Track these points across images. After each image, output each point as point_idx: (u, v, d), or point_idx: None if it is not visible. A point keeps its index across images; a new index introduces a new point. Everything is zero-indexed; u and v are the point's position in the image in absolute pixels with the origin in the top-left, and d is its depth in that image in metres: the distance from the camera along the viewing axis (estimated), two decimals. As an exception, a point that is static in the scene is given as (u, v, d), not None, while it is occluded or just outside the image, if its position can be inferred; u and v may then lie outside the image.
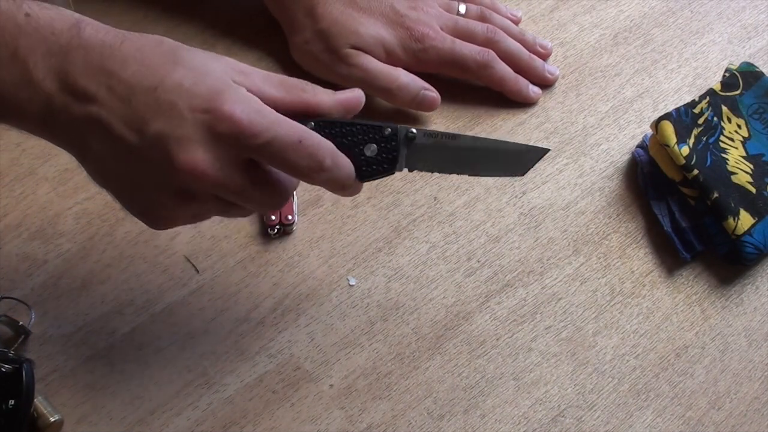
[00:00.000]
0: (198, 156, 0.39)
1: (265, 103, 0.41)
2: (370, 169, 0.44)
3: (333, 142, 0.42)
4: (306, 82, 0.43)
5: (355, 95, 0.44)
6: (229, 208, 0.43)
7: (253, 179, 0.41)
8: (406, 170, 0.46)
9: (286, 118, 0.40)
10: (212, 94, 0.39)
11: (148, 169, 0.40)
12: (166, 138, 0.38)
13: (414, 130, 0.44)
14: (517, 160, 0.47)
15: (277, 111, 0.41)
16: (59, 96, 0.39)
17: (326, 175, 0.42)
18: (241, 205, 0.43)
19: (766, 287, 0.61)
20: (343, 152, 0.43)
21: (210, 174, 0.39)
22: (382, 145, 0.44)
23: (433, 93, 0.61)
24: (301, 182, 0.44)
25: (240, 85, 0.40)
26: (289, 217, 0.56)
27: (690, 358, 0.57)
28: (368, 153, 0.44)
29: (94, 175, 0.42)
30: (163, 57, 0.39)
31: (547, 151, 0.47)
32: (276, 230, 0.56)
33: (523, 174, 0.48)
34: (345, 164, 0.43)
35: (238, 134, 0.39)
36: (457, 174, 0.47)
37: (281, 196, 0.44)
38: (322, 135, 0.42)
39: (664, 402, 0.55)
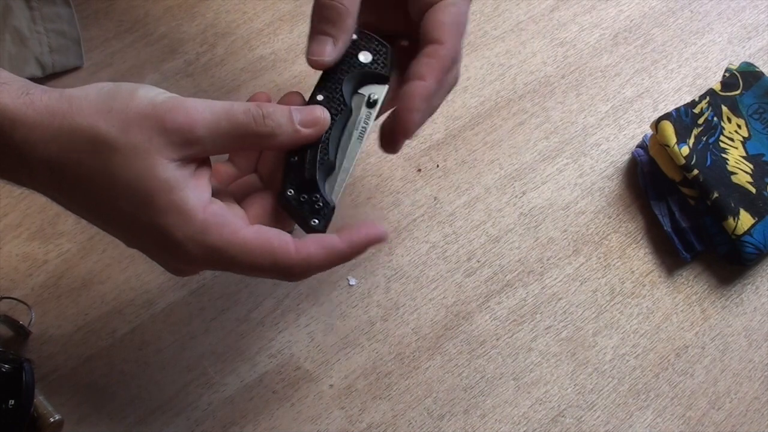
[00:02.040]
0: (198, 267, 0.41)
1: (220, 176, 0.41)
2: (372, 71, 0.44)
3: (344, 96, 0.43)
4: (259, 107, 0.39)
5: (318, 125, 0.41)
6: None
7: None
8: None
9: (246, 245, 0.38)
10: (161, 238, 0.38)
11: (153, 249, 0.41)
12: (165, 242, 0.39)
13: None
14: None
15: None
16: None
17: (307, 274, 0.41)
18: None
19: (766, 287, 0.61)
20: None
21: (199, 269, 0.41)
22: (373, 49, 0.44)
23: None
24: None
25: (192, 160, 0.38)
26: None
27: (690, 358, 0.57)
28: (364, 60, 0.44)
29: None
30: (105, 177, 0.37)
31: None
32: None
33: None
34: (319, 261, 0.40)
35: (201, 267, 0.40)
36: None
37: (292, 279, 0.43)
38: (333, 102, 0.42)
39: (664, 402, 0.55)
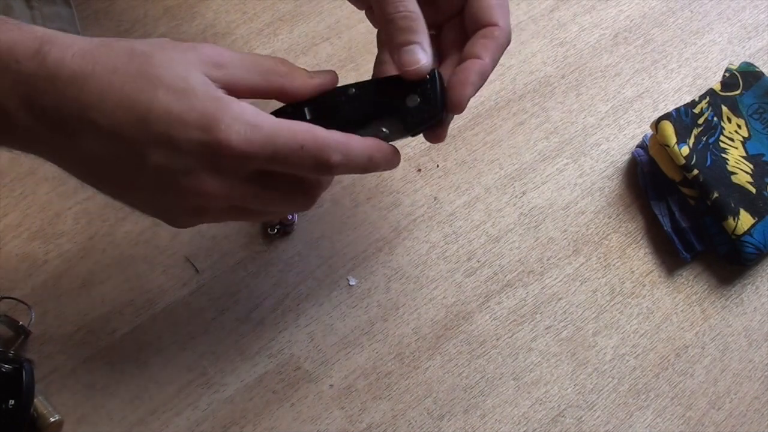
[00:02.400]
0: (204, 182, 0.38)
1: (245, 93, 0.40)
2: (417, 120, 0.42)
3: (358, 114, 0.42)
4: (282, 61, 0.42)
5: (331, 77, 0.43)
6: (248, 214, 0.43)
7: (265, 185, 0.41)
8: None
9: (286, 124, 0.39)
10: (204, 121, 0.37)
11: (155, 192, 0.40)
12: (167, 169, 0.38)
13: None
14: None
15: (258, 98, 0.41)
16: (39, 128, 0.38)
17: (341, 169, 0.41)
18: (262, 210, 0.43)
19: (766, 287, 0.61)
20: (375, 119, 0.42)
21: (219, 194, 0.39)
22: (423, 91, 0.42)
23: None
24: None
25: (220, 82, 0.39)
26: (289, 217, 0.56)
27: (690, 358, 0.57)
28: (411, 104, 0.42)
29: (99, 187, 0.41)
30: (141, 77, 0.37)
31: None
32: (276, 230, 0.56)
33: None
34: (359, 151, 0.41)
35: (239, 159, 0.38)
36: None
37: (306, 196, 0.43)
38: (348, 107, 0.42)
39: (664, 402, 0.55)
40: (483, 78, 0.44)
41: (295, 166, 0.40)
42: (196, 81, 0.38)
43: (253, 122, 0.38)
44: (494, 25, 0.44)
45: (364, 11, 0.49)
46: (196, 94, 0.37)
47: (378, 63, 0.47)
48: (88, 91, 0.37)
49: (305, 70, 0.43)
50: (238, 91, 0.40)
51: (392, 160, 0.43)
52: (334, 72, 0.44)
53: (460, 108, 0.43)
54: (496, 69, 0.65)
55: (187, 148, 0.37)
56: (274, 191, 0.41)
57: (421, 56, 0.42)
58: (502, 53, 0.45)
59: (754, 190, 0.60)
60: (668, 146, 0.60)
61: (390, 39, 0.43)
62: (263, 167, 0.40)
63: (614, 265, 0.60)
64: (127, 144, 0.37)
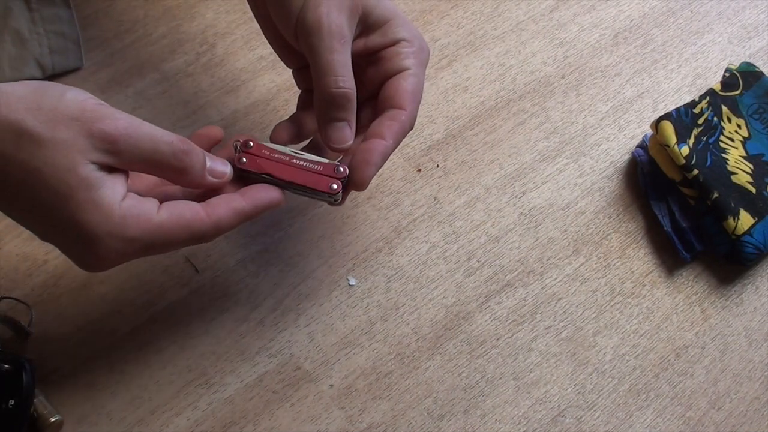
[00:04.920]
0: (93, 264, 0.42)
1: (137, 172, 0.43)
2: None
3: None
4: (184, 151, 0.42)
5: (223, 180, 0.45)
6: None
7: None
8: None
9: (166, 224, 0.41)
10: (83, 235, 0.39)
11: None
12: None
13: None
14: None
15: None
16: None
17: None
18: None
19: (766, 287, 0.61)
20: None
21: (115, 263, 0.42)
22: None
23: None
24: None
25: (109, 167, 0.39)
26: (334, 186, 0.47)
27: (690, 358, 0.57)
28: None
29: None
30: (26, 171, 0.38)
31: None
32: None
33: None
34: (229, 224, 0.44)
35: (119, 261, 0.42)
36: None
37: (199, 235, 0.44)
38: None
39: (664, 402, 0.55)
40: (384, 158, 0.46)
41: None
42: (79, 181, 0.38)
43: (130, 236, 0.40)
44: (402, 108, 0.47)
45: (292, 70, 0.52)
46: (76, 203, 0.38)
47: (296, 121, 0.50)
48: None
49: (205, 160, 0.43)
50: (130, 171, 0.42)
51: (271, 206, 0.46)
52: (230, 172, 0.45)
53: (362, 187, 0.46)
54: (496, 69, 0.66)
55: (66, 249, 0.41)
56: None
57: (348, 134, 0.46)
58: (404, 136, 0.47)
59: (754, 190, 0.60)
60: (668, 146, 0.60)
61: (323, 111, 0.45)
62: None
63: (614, 265, 0.60)
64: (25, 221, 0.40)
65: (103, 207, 0.39)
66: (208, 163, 0.44)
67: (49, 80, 0.59)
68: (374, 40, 0.48)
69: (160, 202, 0.42)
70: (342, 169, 0.46)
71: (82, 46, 0.60)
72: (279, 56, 0.52)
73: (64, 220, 0.39)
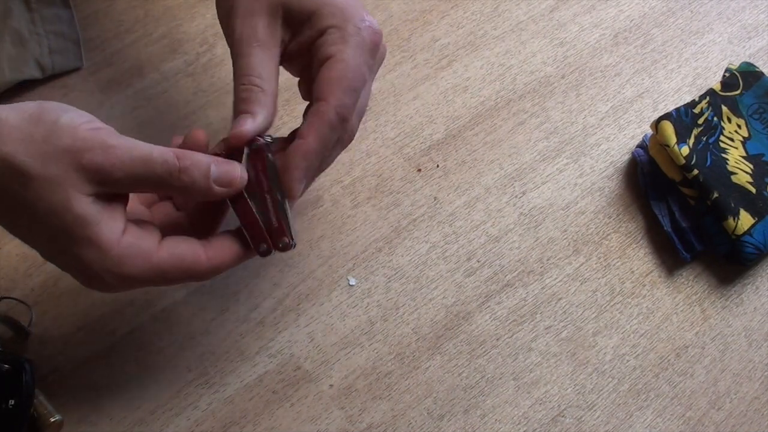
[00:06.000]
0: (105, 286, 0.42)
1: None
2: None
3: None
4: (182, 169, 0.40)
5: (237, 184, 0.42)
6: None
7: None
8: None
9: (164, 261, 0.41)
10: (81, 267, 0.39)
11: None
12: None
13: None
14: None
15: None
16: None
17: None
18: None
19: (766, 287, 0.61)
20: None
21: (120, 289, 0.42)
22: None
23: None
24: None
25: (105, 195, 0.39)
26: (286, 240, 0.45)
27: (690, 358, 0.57)
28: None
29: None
30: (18, 204, 0.37)
31: None
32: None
33: None
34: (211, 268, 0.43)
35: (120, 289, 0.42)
36: None
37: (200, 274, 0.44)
38: None
39: (664, 402, 0.55)
40: (309, 159, 0.43)
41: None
42: (74, 219, 0.38)
43: (126, 274, 0.40)
44: (322, 99, 0.43)
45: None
46: (72, 239, 0.38)
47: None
48: None
49: (209, 172, 0.41)
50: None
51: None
52: (243, 174, 0.43)
53: (292, 195, 0.44)
54: (496, 69, 0.66)
55: (69, 272, 0.41)
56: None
57: (248, 123, 0.43)
58: (333, 130, 0.43)
59: (754, 190, 0.60)
60: (668, 146, 0.60)
61: (234, 110, 0.44)
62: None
63: (614, 265, 0.60)
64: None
65: (100, 245, 0.38)
66: (213, 174, 0.41)
67: (47, 80, 0.59)
68: (304, 35, 0.45)
69: (163, 231, 0.42)
70: (287, 242, 0.44)
71: (82, 46, 0.60)
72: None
73: (63, 252, 0.39)
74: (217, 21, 0.48)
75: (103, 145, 0.38)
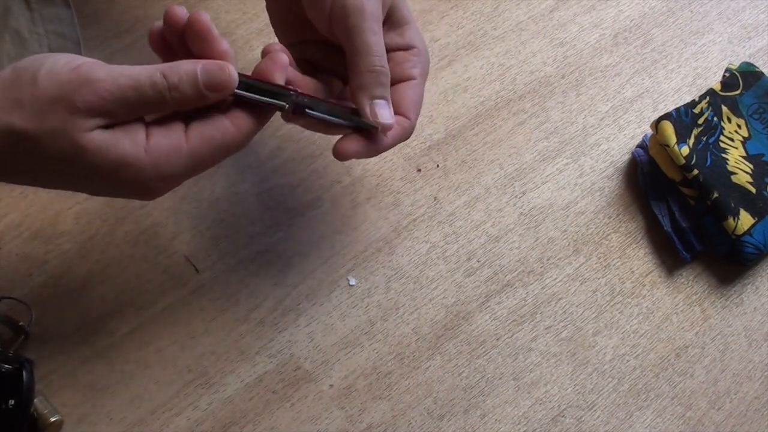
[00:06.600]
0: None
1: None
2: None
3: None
4: (163, 81, 0.39)
5: (226, 89, 0.41)
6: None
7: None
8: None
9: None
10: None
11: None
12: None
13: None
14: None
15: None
16: None
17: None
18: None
19: (766, 287, 0.61)
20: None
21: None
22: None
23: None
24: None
25: (92, 110, 0.38)
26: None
27: (690, 358, 0.57)
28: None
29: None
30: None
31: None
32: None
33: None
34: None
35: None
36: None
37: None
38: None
39: (664, 402, 0.55)
40: (377, 154, 0.47)
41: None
42: (94, 154, 0.38)
43: (168, 173, 0.40)
44: (408, 118, 0.47)
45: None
46: (103, 172, 0.39)
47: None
48: (9, 169, 0.39)
49: (197, 79, 0.40)
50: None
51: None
52: (232, 74, 0.41)
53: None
54: (496, 69, 0.66)
55: (119, 197, 0.42)
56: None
57: (391, 112, 0.46)
58: (405, 139, 0.48)
59: (754, 190, 0.60)
60: (668, 146, 0.60)
61: (365, 89, 0.45)
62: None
63: (614, 265, 0.60)
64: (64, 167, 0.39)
65: (130, 162, 0.39)
66: (202, 80, 0.40)
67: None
68: (392, 38, 0.48)
69: (186, 122, 0.41)
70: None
71: (82, 46, 0.60)
72: (276, 31, 0.52)
73: (102, 187, 0.40)
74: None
75: (88, 81, 0.38)
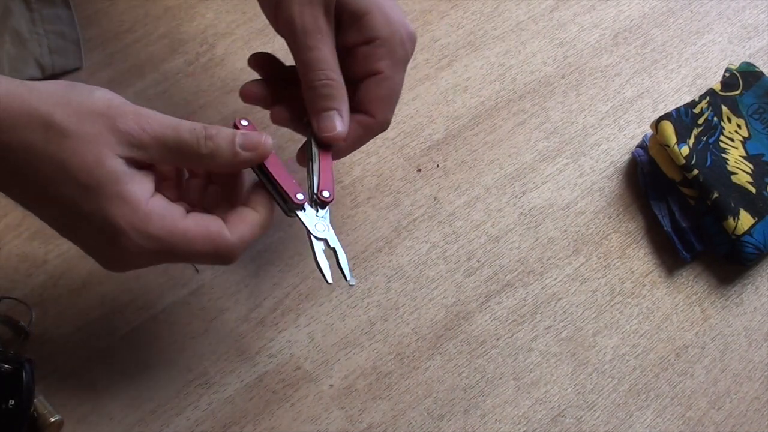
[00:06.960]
0: (120, 256, 0.42)
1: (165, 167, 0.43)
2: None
3: None
4: (208, 136, 0.41)
5: (262, 150, 0.43)
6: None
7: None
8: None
9: (186, 229, 0.41)
10: (107, 228, 0.39)
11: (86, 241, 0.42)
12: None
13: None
14: None
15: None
16: None
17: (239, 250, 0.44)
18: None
19: (766, 287, 0.61)
20: None
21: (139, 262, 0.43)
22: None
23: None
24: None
25: (136, 162, 0.40)
26: (325, 194, 0.46)
27: (690, 358, 0.57)
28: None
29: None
30: (53, 163, 0.38)
31: None
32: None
33: None
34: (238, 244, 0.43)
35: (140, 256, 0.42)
36: None
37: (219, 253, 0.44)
38: None
39: (664, 402, 0.55)
40: (340, 156, 0.48)
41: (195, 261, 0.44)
42: (107, 174, 0.39)
43: (153, 234, 0.40)
44: (371, 116, 0.47)
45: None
46: (103, 195, 0.39)
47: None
48: (5, 162, 0.39)
49: (234, 137, 0.42)
50: (156, 166, 0.42)
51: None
52: (266, 140, 0.43)
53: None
54: (496, 69, 0.66)
55: (87, 244, 0.42)
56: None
57: (337, 123, 0.45)
58: (373, 137, 0.49)
59: (754, 190, 0.60)
60: (668, 146, 0.60)
61: (311, 104, 0.46)
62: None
63: (614, 265, 0.60)
64: (50, 208, 0.41)
65: (130, 201, 0.39)
66: (239, 140, 0.42)
67: (49, 80, 0.59)
68: (350, 36, 0.47)
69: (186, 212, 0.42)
70: (327, 194, 0.46)
71: (82, 46, 0.60)
72: (270, 22, 0.52)
73: (90, 212, 0.39)
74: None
75: (135, 113, 0.40)
